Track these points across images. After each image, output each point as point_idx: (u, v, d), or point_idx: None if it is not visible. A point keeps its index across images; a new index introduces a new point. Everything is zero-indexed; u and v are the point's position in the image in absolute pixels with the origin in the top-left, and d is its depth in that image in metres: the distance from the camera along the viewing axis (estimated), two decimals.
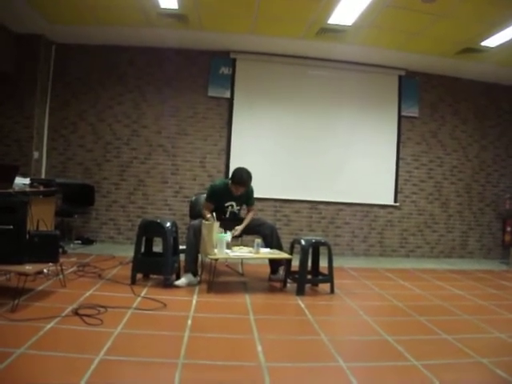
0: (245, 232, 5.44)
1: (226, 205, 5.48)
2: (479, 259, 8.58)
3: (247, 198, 5.59)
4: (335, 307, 4.65)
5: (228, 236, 5.03)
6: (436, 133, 8.59)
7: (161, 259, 4.90)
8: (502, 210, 8.71)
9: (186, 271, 4.94)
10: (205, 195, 5.64)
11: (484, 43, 6.79)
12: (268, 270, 5.49)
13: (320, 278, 5.21)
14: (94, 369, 2.60)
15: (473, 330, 3.88)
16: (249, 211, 5.63)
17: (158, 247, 5.33)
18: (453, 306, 4.66)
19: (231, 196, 5.43)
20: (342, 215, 8.28)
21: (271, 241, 5.27)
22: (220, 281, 5.33)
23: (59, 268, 4.50)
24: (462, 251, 8.66)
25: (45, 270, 4.64)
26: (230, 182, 5.38)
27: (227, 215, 5.50)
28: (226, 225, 5.19)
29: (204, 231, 4.77)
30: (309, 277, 5.14)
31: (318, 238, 5.55)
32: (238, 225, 5.35)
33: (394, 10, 6.00)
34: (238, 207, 5.59)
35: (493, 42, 6.68)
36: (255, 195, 5.67)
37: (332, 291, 4.99)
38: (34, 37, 7.37)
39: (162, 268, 4.84)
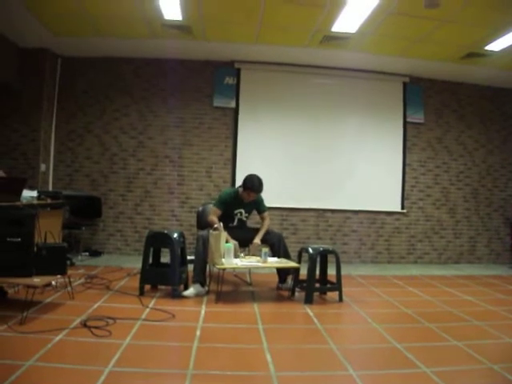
0: (251, 241, 5.41)
1: (235, 212, 5.47)
2: (488, 264, 8.53)
3: (257, 205, 5.56)
4: (344, 315, 4.63)
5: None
6: (441, 138, 8.57)
7: (168, 270, 4.91)
8: (510, 215, 8.66)
9: (194, 281, 4.93)
10: (211, 204, 5.64)
11: (488, 47, 6.78)
12: (276, 278, 5.48)
13: (328, 286, 5.20)
14: (103, 381, 2.60)
15: (483, 336, 3.85)
16: (263, 219, 5.56)
17: (165, 258, 5.33)
18: (462, 312, 4.63)
19: (241, 203, 5.43)
20: (349, 223, 8.25)
21: (278, 250, 5.27)
22: (228, 290, 5.32)
23: (67, 280, 4.51)
24: (470, 257, 8.61)
25: (53, 283, 4.65)
26: (240, 188, 5.38)
27: (235, 223, 5.48)
28: (234, 232, 5.18)
29: (211, 241, 4.75)
30: (317, 285, 5.12)
31: (325, 246, 5.53)
32: (245, 233, 5.36)
33: (397, 17, 6.01)
34: (247, 214, 5.58)
35: (497, 46, 6.67)
36: None
37: (340, 299, 4.97)
38: (39, 51, 7.42)
39: (170, 279, 4.85)
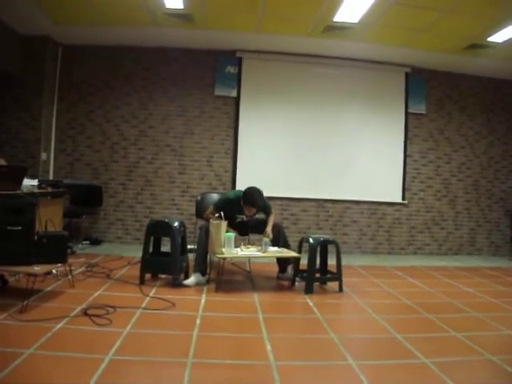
0: (252, 231, 5.43)
1: (237, 216, 5.30)
2: (487, 256, 8.54)
3: (263, 210, 5.40)
4: (344, 305, 4.65)
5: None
6: (443, 129, 8.55)
7: (169, 259, 4.92)
8: (511, 207, 8.66)
9: (195, 270, 4.95)
10: (212, 194, 5.60)
11: (490, 39, 6.75)
12: (275, 268, 5.48)
13: (328, 276, 5.21)
14: (104, 369, 2.61)
15: (482, 328, 3.86)
16: (268, 215, 5.43)
17: (166, 247, 5.33)
18: (462, 304, 4.64)
19: (242, 212, 5.25)
20: (350, 213, 8.25)
21: (278, 239, 5.25)
22: (228, 280, 5.33)
23: (68, 268, 4.53)
24: (470, 248, 8.62)
25: (53, 271, 4.65)
26: (242, 200, 5.20)
27: (236, 221, 5.36)
28: (235, 229, 5.16)
29: (212, 230, 4.76)
30: (317, 275, 5.13)
31: (326, 236, 5.52)
32: (245, 224, 5.34)
33: (400, 7, 5.98)
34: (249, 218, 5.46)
35: (499, 37, 6.64)
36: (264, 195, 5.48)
37: (340, 289, 4.98)
38: (40, 38, 7.38)
39: (171, 268, 4.86)
